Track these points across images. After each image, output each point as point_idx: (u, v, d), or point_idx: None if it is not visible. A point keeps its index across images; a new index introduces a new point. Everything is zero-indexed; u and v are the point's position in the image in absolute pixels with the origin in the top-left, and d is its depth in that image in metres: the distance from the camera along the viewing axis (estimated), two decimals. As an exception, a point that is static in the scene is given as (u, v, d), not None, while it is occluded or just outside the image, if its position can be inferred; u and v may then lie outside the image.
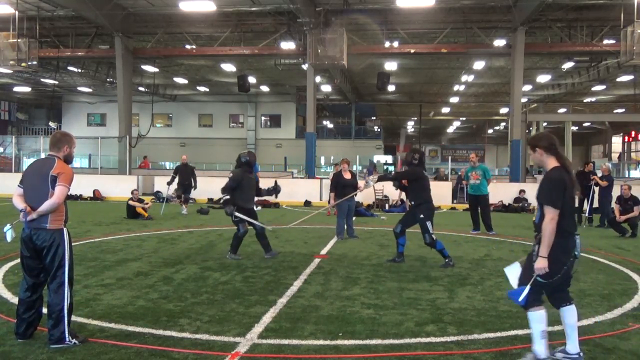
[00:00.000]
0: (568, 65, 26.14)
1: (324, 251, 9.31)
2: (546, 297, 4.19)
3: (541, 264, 3.90)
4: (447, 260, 7.93)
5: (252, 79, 30.59)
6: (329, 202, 11.63)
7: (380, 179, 9.76)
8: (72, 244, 4.59)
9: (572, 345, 4.10)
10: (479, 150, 53.22)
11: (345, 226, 11.03)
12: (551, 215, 3.90)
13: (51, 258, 4.36)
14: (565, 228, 3.99)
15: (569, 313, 4.12)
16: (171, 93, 38.92)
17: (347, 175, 11.02)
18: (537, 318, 4.04)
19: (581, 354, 4.12)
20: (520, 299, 4.01)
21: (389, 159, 44.30)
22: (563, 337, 4.72)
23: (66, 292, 4.38)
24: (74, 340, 4.35)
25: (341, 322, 5.10)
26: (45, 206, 4.31)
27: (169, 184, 15.96)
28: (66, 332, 4.33)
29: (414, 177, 8.17)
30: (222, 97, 40.10)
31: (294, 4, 18.45)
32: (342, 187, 10.83)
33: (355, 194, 10.91)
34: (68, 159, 4.56)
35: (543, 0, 17.41)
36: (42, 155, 26.60)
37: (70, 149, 4.56)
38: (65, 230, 4.47)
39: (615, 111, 41.03)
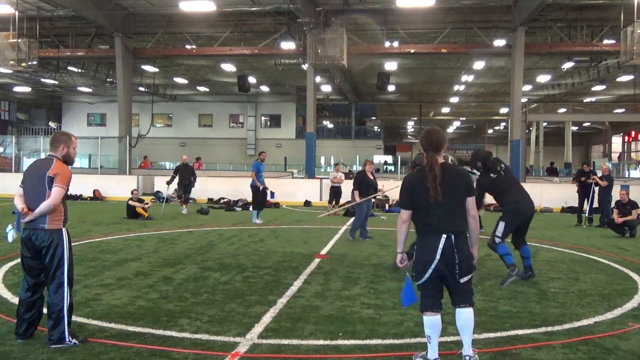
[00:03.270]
0: (568, 65, 26.13)
1: (324, 251, 9.30)
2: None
3: (396, 259, 4.21)
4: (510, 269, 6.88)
5: (252, 79, 30.58)
6: (343, 202, 11.46)
7: None
8: (72, 244, 4.59)
9: (465, 347, 3.98)
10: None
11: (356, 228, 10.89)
12: (400, 215, 4.06)
13: (50, 258, 4.36)
14: (422, 227, 3.98)
15: (459, 316, 3.97)
16: (171, 93, 38.91)
17: (371, 177, 10.83)
18: (426, 323, 3.98)
19: (469, 358, 3.97)
20: (403, 295, 4.22)
21: (389, 159, 44.31)
22: (563, 338, 4.74)
23: (65, 292, 4.37)
24: (74, 341, 4.34)
25: (341, 322, 5.10)
26: (41, 208, 4.30)
27: (168, 183, 15.98)
28: (66, 332, 4.32)
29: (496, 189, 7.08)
30: (222, 97, 40.09)
31: (294, 4, 18.45)
32: (366, 186, 10.64)
33: (376, 196, 10.85)
34: (67, 159, 4.53)
35: (543, 0, 17.40)
36: (42, 156, 26.62)
37: (68, 149, 4.52)
38: (64, 230, 4.46)
39: (615, 111, 41.04)
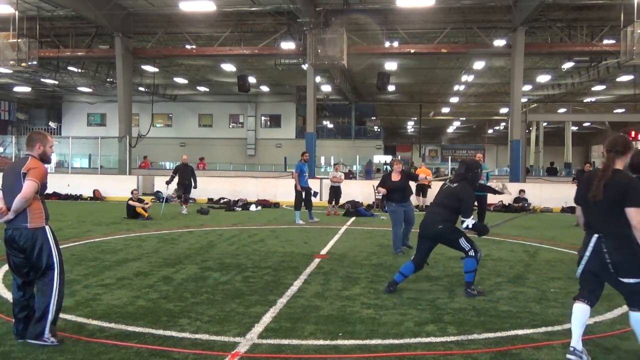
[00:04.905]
0: (568, 65, 26.11)
1: (324, 251, 9.30)
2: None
3: None
4: None
5: (252, 79, 30.57)
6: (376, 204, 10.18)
7: None
8: (60, 243, 4.56)
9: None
10: (479, 150, 53.23)
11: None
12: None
13: (37, 257, 4.32)
14: (584, 223, 4.25)
15: (630, 319, 4.16)
16: (171, 93, 38.91)
17: (396, 177, 9.42)
18: (573, 309, 4.28)
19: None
20: None
21: (388, 159, 44.28)
22: (563, 338, 4.74)
23: (54, 290, 4.33)
24: (52, 339, 4.28)
25: (341, 322, 5.10)
26: (15, 204, 4.25)
27: (167, 183, 15.99)
28: (47, 330, 4.27)
29: None
30: (222, 97, 40.09)
31: (294, 4, 18.45)
32: (389, 191, 9.35)
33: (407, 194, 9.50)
34: (44, 158, 4.50)
35: (543, 0, 17.40)
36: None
37: (44, 147, 4.48)
38: (47, 228, 4.42)
39: (615, 111, 41.01)
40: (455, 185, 6.36)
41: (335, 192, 16.68)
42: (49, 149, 4.52)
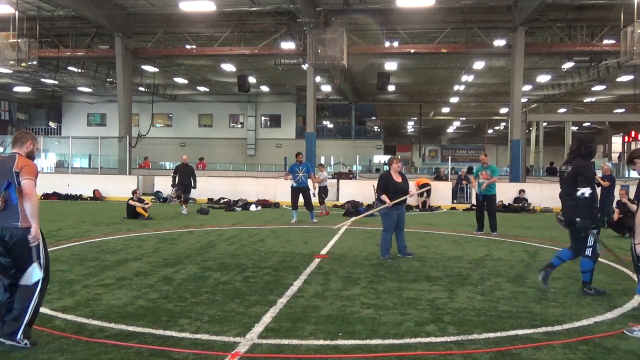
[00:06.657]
0: (568, 65, 26.11)
1: (324, 251, 9.30)
2: None
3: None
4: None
5: (252, 79, 30.57)
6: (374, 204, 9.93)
7: None
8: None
9: None
10: (480, 150, 53.24)
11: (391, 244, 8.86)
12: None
13: (25, 257, 4.26)
14: None
15: None
16: (171, 93, 38.90)
17: (398, 178, 8.71)
18: None
19: None
20: None
21: (388, 159, 44.36)
22: (563, 338, 4.74)
23: (36, 293, 4.26)
24: (25, 341, 4.21)
25: (341, 322, 5.10)
26: (26, 209, 4.22)
27: (173, 186, 16.06)
28: (21, 330, 4.19)
29: None
30: (222, 97, 40.08)
31: (294, 4, 18.45)
32: (393, 192, 8.52)
33: (405, 199, 8.82)
34: (31, 156, 4.48)
35: (543, 0, 17.40)
36: (42, 155, 26.26)
37: (33, 147, 4.50)
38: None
39: (615, 111, 41.04)
40: (570, 168, 6.45)
41: (323, 191, 17.00)
42: (36, 149, 4.56)
